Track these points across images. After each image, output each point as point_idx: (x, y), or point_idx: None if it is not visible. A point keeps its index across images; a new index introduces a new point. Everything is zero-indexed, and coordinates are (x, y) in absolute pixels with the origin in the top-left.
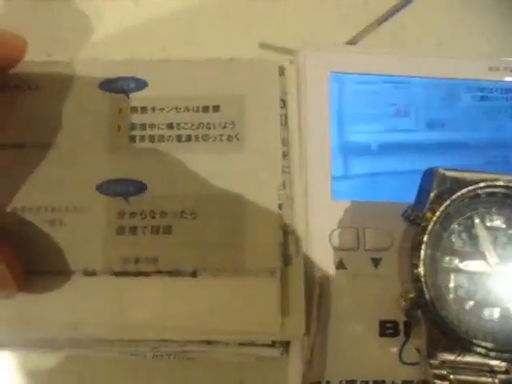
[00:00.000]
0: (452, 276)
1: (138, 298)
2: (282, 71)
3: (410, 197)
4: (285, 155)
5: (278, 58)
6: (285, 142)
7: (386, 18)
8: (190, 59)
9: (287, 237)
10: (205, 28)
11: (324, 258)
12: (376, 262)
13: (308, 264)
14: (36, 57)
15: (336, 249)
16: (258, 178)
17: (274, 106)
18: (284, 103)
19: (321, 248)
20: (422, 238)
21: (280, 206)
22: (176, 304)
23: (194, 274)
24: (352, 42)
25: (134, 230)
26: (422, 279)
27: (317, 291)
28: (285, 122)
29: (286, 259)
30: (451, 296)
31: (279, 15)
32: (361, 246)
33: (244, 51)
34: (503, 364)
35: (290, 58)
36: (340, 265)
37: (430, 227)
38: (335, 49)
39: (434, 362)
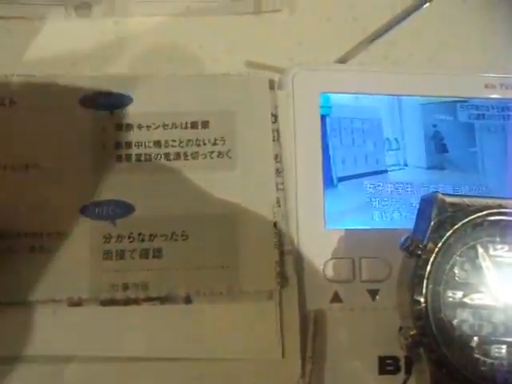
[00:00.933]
0: (456, 311)
1: (129, 328)
2: (272, 85)
3: (407, 223)
4: (279, 172)
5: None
6: (278, 158)
7: (378, 35)
8: (176, 74)
9: (283, 256)
10: (190, 46)
11: (318, 291)
12: (373, 293)
13: (302, 298)
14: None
15: (330, 281)
16: (252, 196)
17: (266, 121)
18: (275, 118)
19: (314, 280)
20: (424, 271)
21: (275, 224)
22: (170, 333)
23: (187, 300)
24: (342, 60)
25: (121, 254)
26: (425, 316)
27: (311, 328)
28: (277, 137)
29: (283, 280)
30: (456, 333)
31: (267, 33)
32: (357, 277)
33: (231, 70)
34: None
35: (278, 76)
36: (335, 298)
37: (431, 259)
38: (325, 67)
39: None
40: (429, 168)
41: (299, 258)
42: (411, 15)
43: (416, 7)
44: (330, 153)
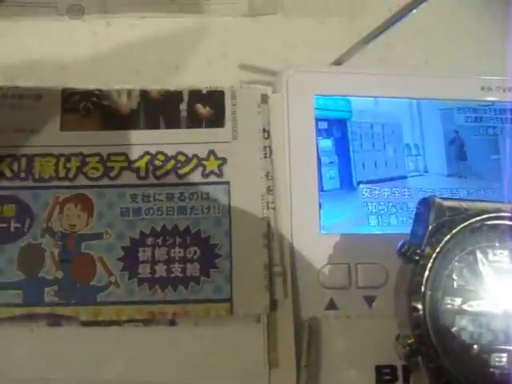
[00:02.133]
0: (455, 319)
1: (111, 350)
2: (264, 99)
3: (405, 228)
4: (270, 190)
5: (260, 79)
6: (269, 176)
7: (373, 36)
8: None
9: (273, 279)
10: (183, 50)
11: (313, 298)
12: (370, 300)
13: (296, 305)
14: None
15: (326, 287)
16: (242, 216)
17: (257, 138)
18: (268, 134)
19: (309, 287)
20: (422, 277)
21: (266, 245)
22: (153, 356)
23: (172, 323)
24: (338, 62)
25: None
26: (423, 324)
27: (306, 336)
28: (269, 153)
29: (273, 304)
30: (455, 341)
31: (261, 35)
32: (353, 283)
33: (224, 74)
34: None
35: (273, 79)
36: (331, 305)
37: (429, 265)
38: (320, 70)
39: None
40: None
41: (294, 265)
42: (405, 17)
43: (410, 8)
44: (351, 156)
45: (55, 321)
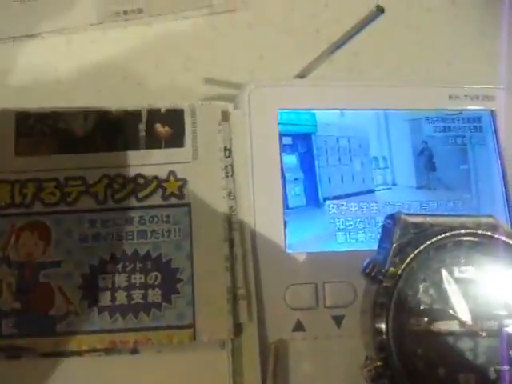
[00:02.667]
0: (421, 340)
1: (71, 381)
2: (225, 117)
3: (373, 244)
4: (232, 210)
5: (224, 91)
6: (231, 195)
7: (337, 45)
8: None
9: (237, 302)
10: (146, 63)
11: (279, 319)
12: (338, 320)
13: (262, 327)
14: None
15: (293, 308)
16: (204, 237)
17: (218, 157)
18: (229, 152)
19: (276, 308)
20: (385, 298)
21: (228, 268)
22: None
23: (134, 351)
24: (302, 74)
25: None
26: (387, 347)
27: (272, 359)
28: (231, 172)
29: (237, 328)
30: (421, 363)
31: (226, 47)
32: (320, 303)
33: (188, 87)
34: None
35: (237, 92)
36: (298, 326)
37: (392, 286)
38: (282, 83)
39: None
40: (407, 186)
41: (259, 286)
42: (369, 24)
43: (371, 18)
44: (316, 172)
45: (14, 353)
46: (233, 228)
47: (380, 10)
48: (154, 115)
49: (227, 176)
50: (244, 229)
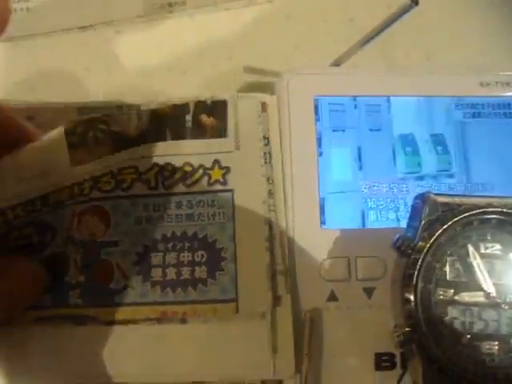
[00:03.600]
0: (447, 309)
1: (127, 346)
2: (264, 108)
3: (401, 222)
4: (271, 193)
5: (262, 80)
6: (270, 181)
7: (371, 37)
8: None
9: (276, 277)
10: (189, 53)
11: (314, 291)
12: (369, 292)
13: (297, 297)
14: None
15: (326, 280)
16: (245, 219)
17: (258, 145)
18: (268, 140)
19: (310, 280)
20: (414, 271)
21: (268, 248)
22: (165, 351)
23: (183, 321)
24: (337, 62)
25: None
26: (415, 315)
27: (307, 326)
28: (269, 159)
29: (276, 301)
30: (447, 330)
31: (264, 37)
32: (352, 276)
33: (228, 75)
34: None
35: (276, 79)
36: (331, 297)
37: (421, 259)
38: (319, 71)
39: None
40: (438, 171)
41: (295, 259)
42: (402, 16)
43: (406, 9)
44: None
45: (81, 320)
46: (271, 209)
47: (414, 2)
48: (200, 107)
49: (266, 162)
50: (282, 210)
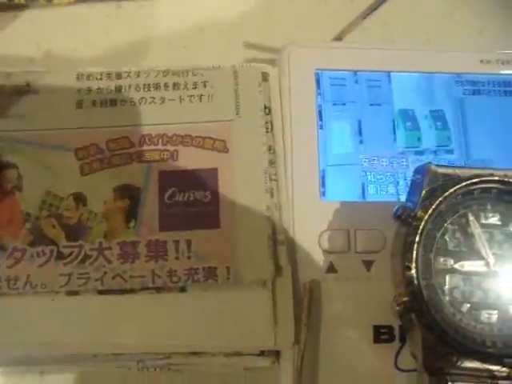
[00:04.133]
0: (447, 277)
1: (125, 316)
2: (265, 77)
3: (401, 196)
4: (272, 163)
5: (263, 56)
6: (271, 150)
7: (371, 10)
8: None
9: (277, 247)
10: (189, 29)
11: (313, 262)
12: (368, 264)
13: (296, 268)
14: None
15: (326, 252)
16: (246, 188)
17: (259, 113)
18: (269, 110)
19: (310, 251)
20: (414, 238)
21: (269, 217)
22: (164, 320)
23: (182, 289)
24: (338, 37)
25: None
26: (415, 282)
27: (306, 297)
28: (271, 128)
29: (277, 270)
30: (447, 298)
31: (264, 13)
32: (352, 248)
33: (229, 51)
34: (504, 369)
35: (275, 56)
36: (330, 268)
37: (421, 226)
38: (320, 45)
39: (431, 368)
40: (438, 146)
41: (295, 230)
42: None
43: None
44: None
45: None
46: (272, 179)
47: None
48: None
49: (267, 132)
50: (283, 180)
